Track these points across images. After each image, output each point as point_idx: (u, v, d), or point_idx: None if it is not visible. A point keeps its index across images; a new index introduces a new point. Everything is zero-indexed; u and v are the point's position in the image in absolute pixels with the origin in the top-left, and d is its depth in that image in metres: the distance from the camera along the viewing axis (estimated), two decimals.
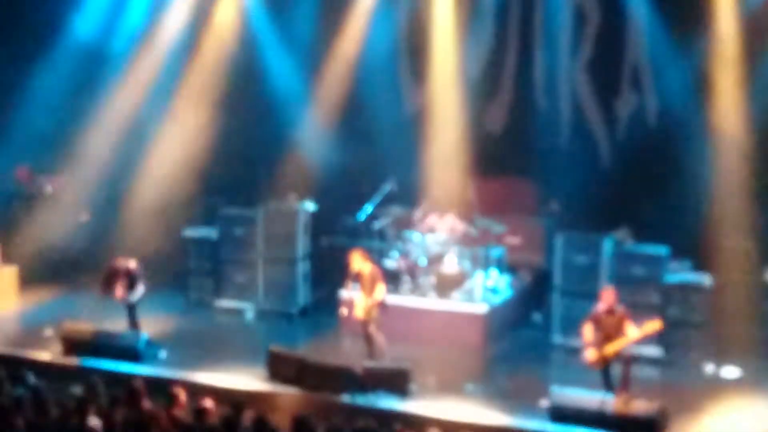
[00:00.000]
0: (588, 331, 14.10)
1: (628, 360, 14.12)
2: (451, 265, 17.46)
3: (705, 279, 16.38)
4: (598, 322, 14.07)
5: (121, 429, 10.94)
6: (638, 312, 14.54)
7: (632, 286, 16.02)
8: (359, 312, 15.54)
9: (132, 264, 16.58)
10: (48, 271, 19.57)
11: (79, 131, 20.10)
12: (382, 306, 15.57)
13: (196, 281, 18.99)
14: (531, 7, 19.22)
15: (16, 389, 12.16)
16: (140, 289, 16.51)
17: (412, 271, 17.62)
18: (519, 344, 17.22)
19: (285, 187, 19.33)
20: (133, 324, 16.59)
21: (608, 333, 13.96)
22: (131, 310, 16.60)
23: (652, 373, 15.82)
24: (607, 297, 14.15)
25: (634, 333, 13.90)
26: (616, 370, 14.21)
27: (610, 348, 13.94)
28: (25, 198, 20.86)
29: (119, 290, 16.44)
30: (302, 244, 18.54)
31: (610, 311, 14.05)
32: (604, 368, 14.15)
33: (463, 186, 18.21)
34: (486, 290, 17.40)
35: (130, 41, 20.30)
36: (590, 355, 14.08)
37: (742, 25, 17.18)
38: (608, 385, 14.13)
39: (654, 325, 14.01)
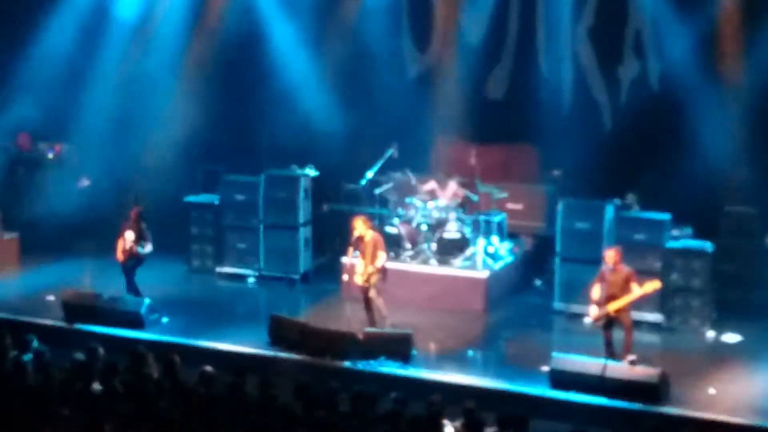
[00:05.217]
0: (596, 290, 14.23)
1: (630, 326, 14.19)
2: (452, 231, 17.47)
3: (706, 245, 16.38)
4: (603, 282, 14.20)
5: (124, 394, 10.96)
6: (640, 278, 14.55)
7: (634, 252, 16.00)
8: (359, 278, 15.57)
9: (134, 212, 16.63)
10: (49, 237, 19.57)
11: (80, 97, 20.06)
12: (383, 273, 15.59)
13: (197, 247, 19.00)
14: None
15: (21, 354, 12.20)
16: (149, 245, 16.52)
17: (413, 237, 17.63)
18: (520, 310, 17.25)
19: (287, 153, 19.33)
20: (132, 289, 16.60)
21: (613, 291, 14.09)
22: (129, 274, 16.61)
23: (653, 339, 15.87)
24: (609, 257, 14.25)
25: (635, 292, 14.00)
26: (618, 336, 14.29)
27: (612, 306, 14.03)
28: (26, 164, 20.85)
29: (129, 239, 16.42)
30: (303, 210, 18.53)
31: (614, 270, 14.14)
32: (606, 332, 14.24)
33: (465, 152, 18.18)
34: (487, 256, 17.41)
35: (132, 7, 20.22)
36: (593, 311, 14.16)
37: None
38: (610, 350, 14.18)
39: (653, 285, 14.14)
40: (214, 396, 11.08)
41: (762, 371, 14.56)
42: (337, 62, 19.65)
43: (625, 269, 14.21)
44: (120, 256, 16.61)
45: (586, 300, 14.98)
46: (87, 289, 16.86)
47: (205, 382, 11.46)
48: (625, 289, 14.07)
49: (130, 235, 16.50)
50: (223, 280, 18.67)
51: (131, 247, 16.44)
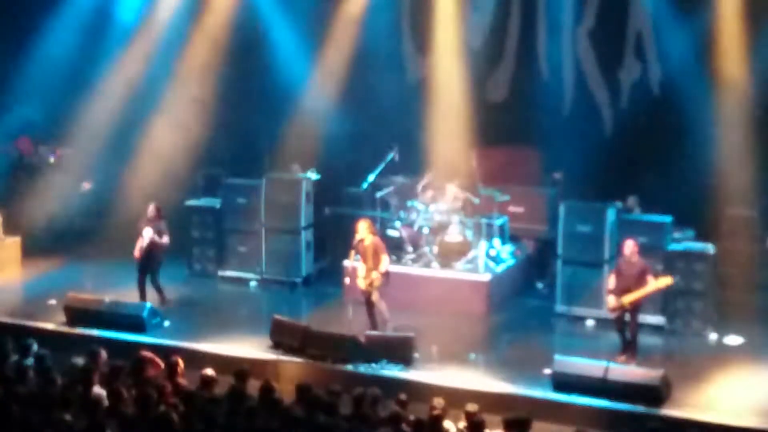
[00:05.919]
0: (612, 280, 14.63)
1: (636, 326, 14.42)
2: (454, 234, 17.46)
3: (708, 247, 16.38)
4: (619, 273, 14.58)
5: (126, 398, 10.95)
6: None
7: None
8: (361, 282, 15.56)
9: (153, 208, 16.76)
10: (51, 241, 19.59)
11: (81, 101, 20.07)
12: (385, 277, 15.58)
13: (199, 251, 18.99)
14: None
15: (22, 359, 12.20)
16: (166, 237, 16.63)
17: (415, 241, 17.62)
18: (522, 313, 17.23)
19: (288, 156, 19.34)
20: (154, 281, 16.80)
21: (627, 284, 14.41)
22: (148, 273, 16.70)
23: (655, 341, 15.84)
24: (627, 246, 14.64)
25: (650, 286, 14.32)
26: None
27: (627, 298, 14.32)
28: (28, 168, 20.87)
29: (147, 236, 16.50)
30: (305, 214, 18.51)
31: (630, 263, 14.47)
32: (618, 321, 14.54)
33: (466, 155, 18.18)
34: (489, 259, 17.41)
35: (134, 10, 20.25)
36: (610, 301, 14.50)
37: None
38: (623, 337, 14.51)
39: (666, 280, 14.48)
40: (215, 399, 11.07)
41: (764, 373, 14.53)
42: (338, 66, 19.64)
43: (640, 263, 14.50)
44: (137, 253, 16.65)
45: (588, 302, 15.02)
46: (89, 293, 16.84)
47: (206, 385, 11.47)
48: (639, 282, 14.39)
49: (147, 232, 16.55)
50: (225, 284, 18.66)
51: (150, 242, 16.47)
